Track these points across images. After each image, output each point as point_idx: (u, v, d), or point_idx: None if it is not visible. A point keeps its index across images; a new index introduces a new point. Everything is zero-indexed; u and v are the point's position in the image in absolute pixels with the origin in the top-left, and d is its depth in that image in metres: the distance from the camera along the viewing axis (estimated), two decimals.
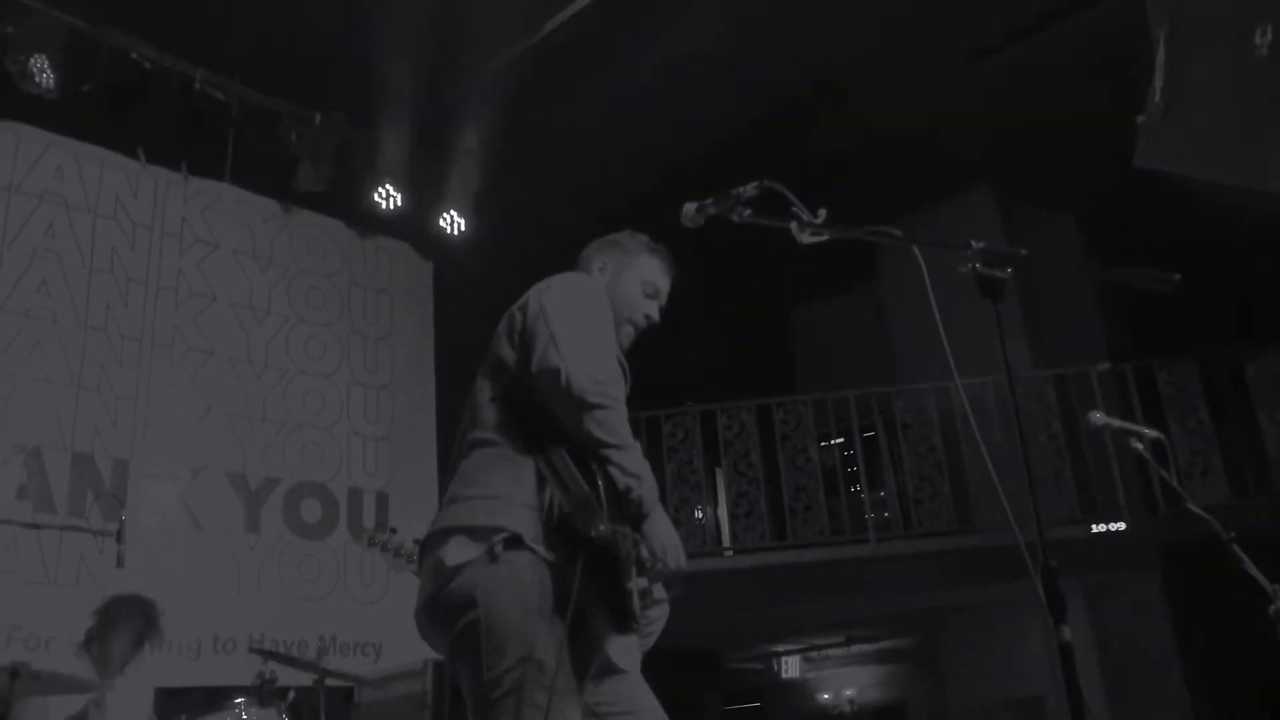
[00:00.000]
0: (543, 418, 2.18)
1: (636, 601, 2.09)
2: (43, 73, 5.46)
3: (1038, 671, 8.15)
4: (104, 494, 5.27)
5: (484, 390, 2.33)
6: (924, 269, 2.03)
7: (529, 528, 2.08)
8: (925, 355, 7.99)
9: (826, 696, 12.20)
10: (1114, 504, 7.68)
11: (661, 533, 2.16)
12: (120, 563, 3.78)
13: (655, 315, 2.57)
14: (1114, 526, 7.59)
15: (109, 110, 5.87)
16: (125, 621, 4.13)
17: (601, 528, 2.04)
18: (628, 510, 2.11)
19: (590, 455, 2.13)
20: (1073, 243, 9.05)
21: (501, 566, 2.05)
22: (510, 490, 2.14)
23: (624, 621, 2.08)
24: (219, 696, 4.12)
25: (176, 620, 5.10)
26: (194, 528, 5.71)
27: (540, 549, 2.07)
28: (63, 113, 5.67)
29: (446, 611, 2.10)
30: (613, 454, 2.11)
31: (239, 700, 3.81)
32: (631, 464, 2.12)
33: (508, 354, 2.31)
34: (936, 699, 9.92)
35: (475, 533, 2.10)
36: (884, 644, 11.50)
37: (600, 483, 2.10)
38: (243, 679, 4.43)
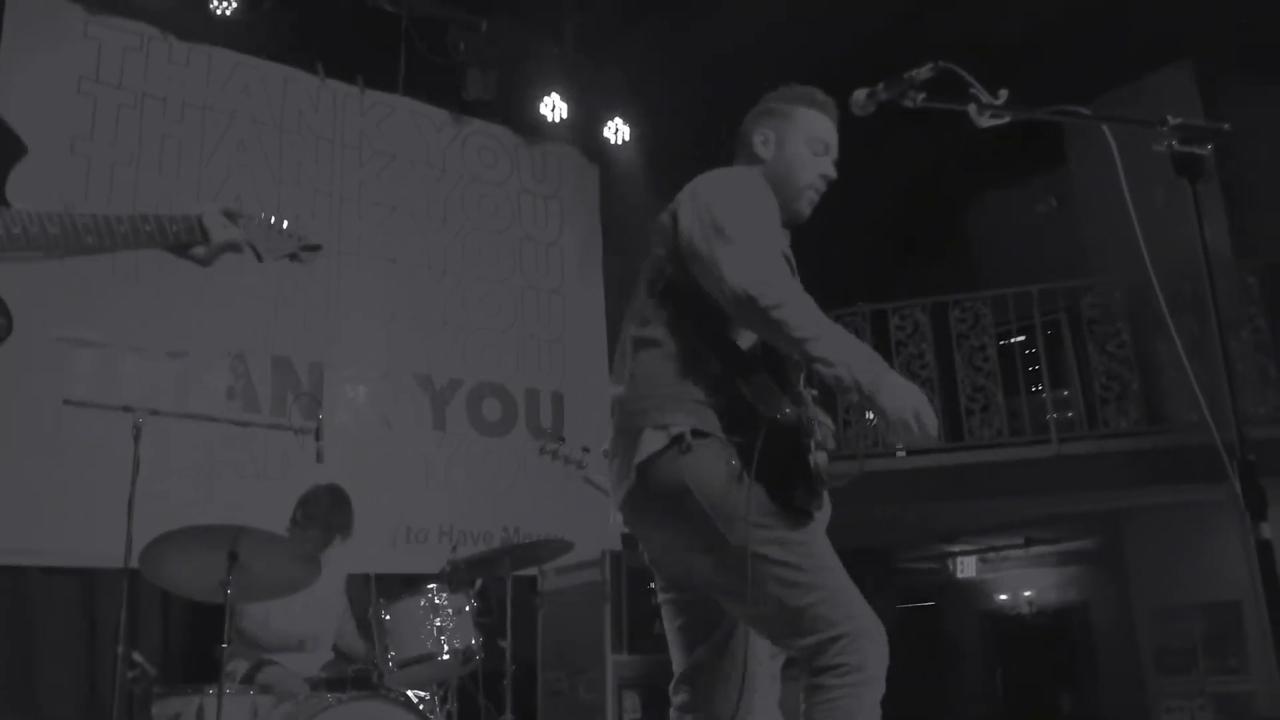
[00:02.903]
0: (702, 313, 2.19)
1: (818, 475, 2.10)
2: None
3: (1234, 576, 7.79)
4: (302, 394, 5.63)
5: (644, 289, 2.33)
6: (1114, 150, 1.90)
7: (709, 421, 2.12)
8: (1116, 246, 7.58)
9: (1004, 597, 12.02)
10: None
11: (899, 400, 2.03)
12: (320, 458, 4.05)
13: (832, 172, 2.43)
14: None
15: (289, 29, 6.09)
16: (323, 510, 4.47)
17: (786, 410, 2.07)
18: (848, 398, 2.05)
19: (786, 352, 2.12)
20: None
21: (696, 453, 2.10)
22: (680, 388, 2.17)
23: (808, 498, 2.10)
24: (414, 582, 4.38)
25: (372, 512, 5.48)
26: (384, 426, 6.04)
27: (721, 435, 2.11)
28: (247, 33, 5.93)
29: (657, 500, 2.15)
30: (807, 347, 2.04)
31: (431, 586, 4.05)
32: (830, 351, 2.03)
33: (661, 254, 2.30)
34: (1120, 602, 9.62)
35: (659, 429, 2.14)
36: (1065, 545, 11.20)
37: (802, 375, 2.13)
38: (434, 567, 4.71)
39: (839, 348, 2.05)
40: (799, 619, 2.04)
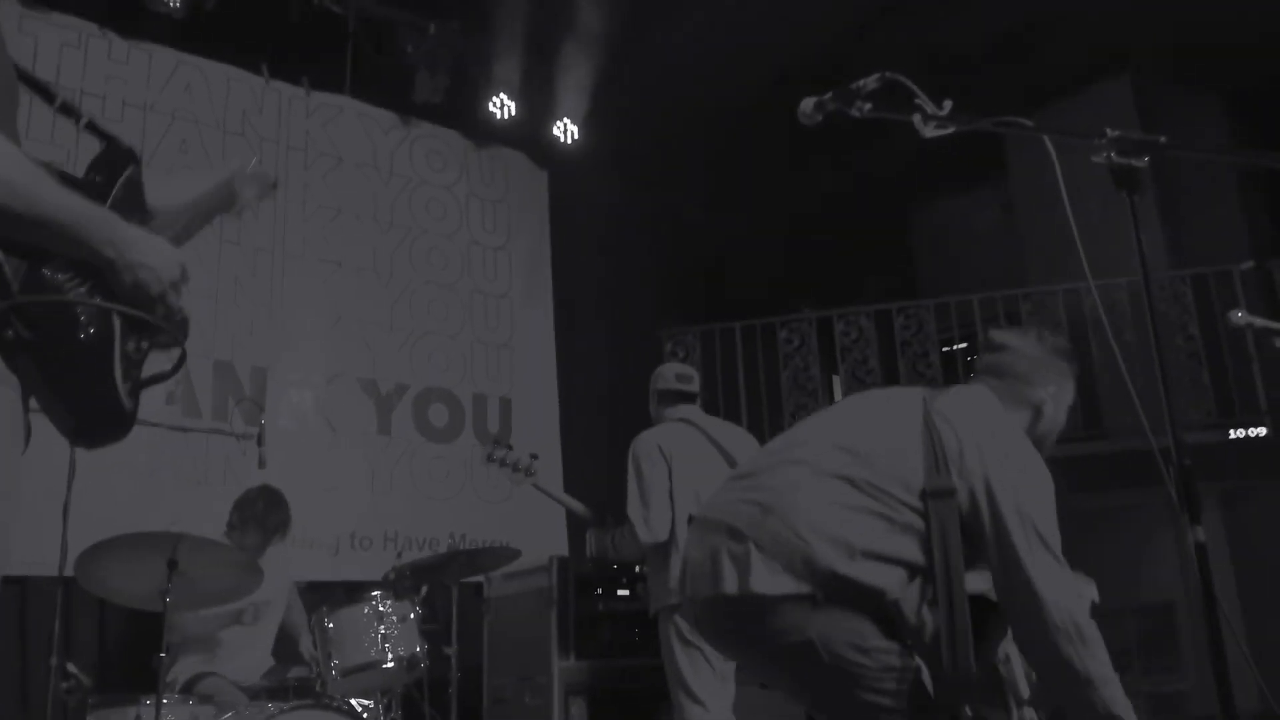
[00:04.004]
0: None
1: None
2: None
3: (1167, 578, 7.97)
4: (244, 399, 5.55)
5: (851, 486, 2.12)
6: (1055, 160, 1.94)
7: None
8: (1056, 255, 7.72)
9: None
10: (1254, 408, 7.35)
11: None
12: (262, 464, 4.00)
13: None
14: (1254, 432, 7.28)
15: (232, 27, 6.00)
16: (258, 512, 4.41)
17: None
18: None
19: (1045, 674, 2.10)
20: (1218, 128, 8.52)
21: None
22: None
23: None
24: (357, 590, 4.34)
25: (315, 519, 5.41)
26: (329, 431, 5.98)
27: None
28: (190, 32, 5.83)
29: None
30: (1090, 692, 1.98)
31: (375, 593, 4.01)
32: (1113, 703, 1.98)
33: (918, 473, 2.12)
34: None
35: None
36: None
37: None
38: (379, 574, 4.66)
39: (1119, 703, 2.01)
40: None
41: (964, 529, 2.08)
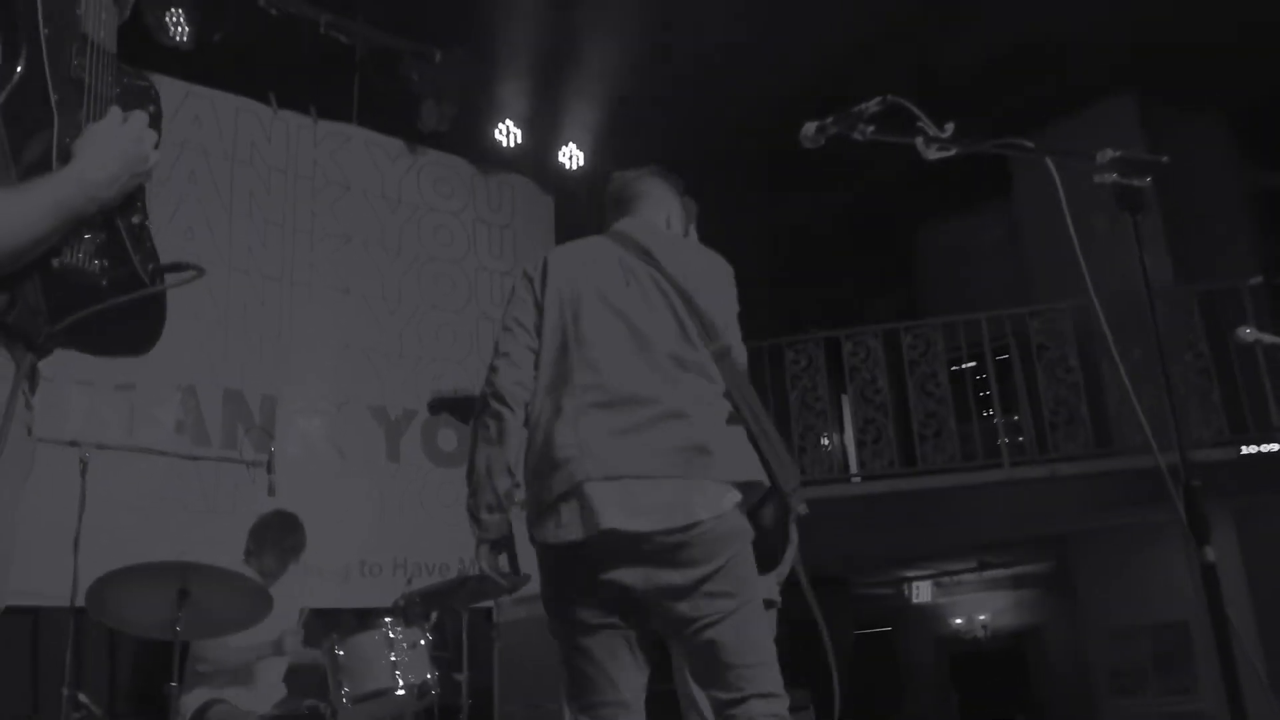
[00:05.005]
0: None
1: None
2: (178, 25, 5.67)
3: (1181, 597, 7.92)
4: (254, 427, 5.56)
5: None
6: (1058, 182, 1.95)
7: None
8: (1062, 274, 7.71)
9: (959, 621, 12.12)
10: (1266, 424, 7.32)
11: None
12: (272, 491, 4.00)
13: None
14: (1265, 448, 7.24)
15: (240, 58, 6.06)
16: (274, 535, 4.42)
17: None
18: None
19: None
20: (1223, 147, 8.53)
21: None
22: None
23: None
24: (367, 617, 4.33)
25: (325, 545, 5.40)
26: (338, 458, 5.98)
27: None
28: (198, 63, 5.88)
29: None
30: None
31: (386, 620, 4.00)
32: None
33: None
34: (1072, 624, 9.74)
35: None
36: (1018, 569, 11.33)
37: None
38: (389, 601, 4.65)
39: None
40: None
41: None
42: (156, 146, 1.57)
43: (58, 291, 1.43)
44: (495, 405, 2.35)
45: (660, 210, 2.68)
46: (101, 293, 1.48)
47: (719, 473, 2.19)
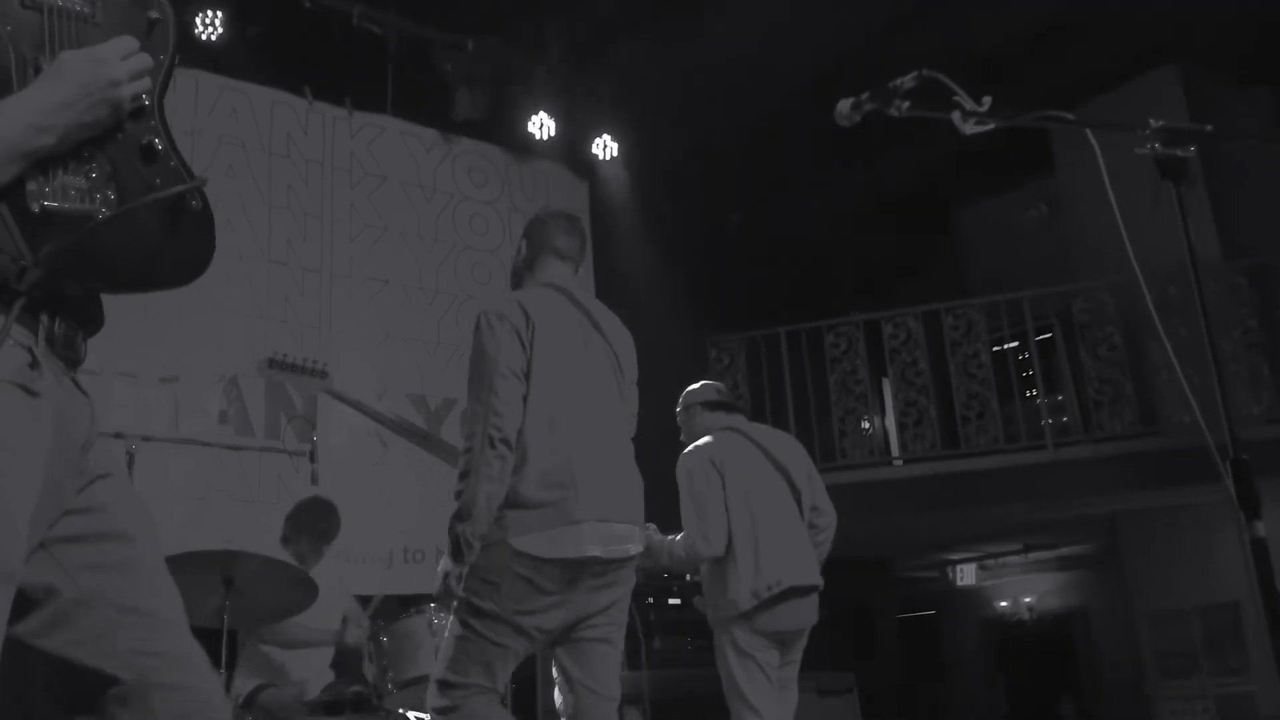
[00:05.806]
0: None
1: None
2: (214, 20, 5.73)
3: (1232, 577, 7.79)
4: (296, 417, 5.62)
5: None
6: (1099, 154, 1.91)
7: None
8: (1104, 252, 7.60)
9: (1004, 604, 12.01)
10: None
11: None
12: (315, 480, 4.05)
13: None
14: None
15: (275, 52, 6.11)
16: (308, 520, 4.46)
17: None
18: None
19: None
20: (1271, 120, 8.34)
21: None
22: None
23: None
24: (411, 602, 4.36)
25: (369, 533, 5.46)
26: (380, 446, 6.03)
27: None
28: (234, 57, 5.94)
29: None
30: None
31: (430, 605, 4.02)
32: None
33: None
34: (1120, 606, 9.62)
35: None
36: (1063, 550, 11.20)
37: None
38: (432, 587, 4.68)
39: None
40: None
41: None
42: (168, 55, 1.51)
43: (49, 235, 1.36)
44: (501, 449, 2.62)
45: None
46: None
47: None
